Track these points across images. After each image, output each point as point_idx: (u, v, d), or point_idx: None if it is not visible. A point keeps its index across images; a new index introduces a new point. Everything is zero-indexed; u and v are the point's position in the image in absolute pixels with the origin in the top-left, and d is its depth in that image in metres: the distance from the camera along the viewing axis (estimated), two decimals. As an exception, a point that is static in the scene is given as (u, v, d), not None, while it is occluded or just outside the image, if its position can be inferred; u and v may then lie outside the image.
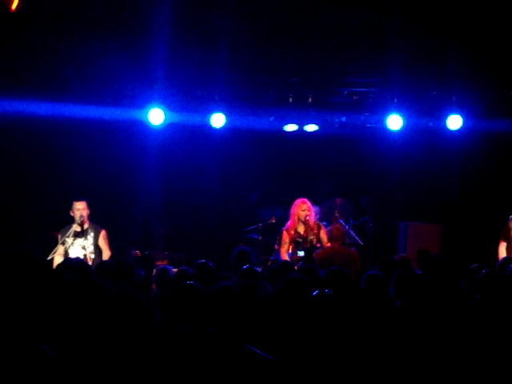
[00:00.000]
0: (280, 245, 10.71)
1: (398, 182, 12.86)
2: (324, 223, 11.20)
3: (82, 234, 9.71)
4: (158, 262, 10.56)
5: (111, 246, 9.87)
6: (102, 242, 9.82)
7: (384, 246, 12.17)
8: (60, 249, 9.61)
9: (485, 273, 6.13)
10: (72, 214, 9.76)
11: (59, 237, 9.73)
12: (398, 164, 12.64)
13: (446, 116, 11.88)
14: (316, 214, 10.82)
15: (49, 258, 9.35)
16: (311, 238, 10.43)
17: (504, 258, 7.57)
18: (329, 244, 10.24)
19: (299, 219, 10.47)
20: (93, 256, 9.68)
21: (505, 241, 9.82)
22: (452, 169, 12.60)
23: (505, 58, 11.10)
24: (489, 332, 4.73)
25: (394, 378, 4.43)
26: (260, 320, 5.21)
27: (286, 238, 10.52)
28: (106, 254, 9.72)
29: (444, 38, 11.09)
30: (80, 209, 9.73)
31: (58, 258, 9.36)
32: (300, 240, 10.41)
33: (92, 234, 9.78)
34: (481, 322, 4.79)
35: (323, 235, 10.47)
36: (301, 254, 10.20)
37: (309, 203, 10.58)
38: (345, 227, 11.47)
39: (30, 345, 3.34)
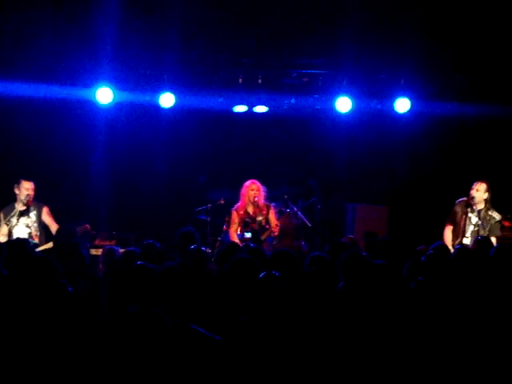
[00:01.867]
0: (229, 225, 10.75)
1: (347, 164, 12.94)
2: (273, 204, 11.23)
3: (24, 212, 9.60)
4: (106, 242, 10.48)
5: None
6: (47, 218, 9.73)
7: (332, 227, 12.23)
8: (3, 229, 9.48)
9: (427, 255, 6.21)
10: (17, 191, 9.62)
11: (1, 216, 9.60)
12: (346, 146, 12.71)
13: (394, 99, 11.99)
14: (265, 194, 10.85)
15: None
16: (260, 218, 10.50)
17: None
18: (277, 227, 10.35)
19: (248, 200, 10.51)
20: (38, 233, 9.59)
21: (451, 224, 9.92)
22: (399, 151, 12.71)
23: (453, 42, 11.21)
24: (430, 313, 4.80)
25: (336, 354, 4.47)
26: (207, 301, 5.21)
27: (235, 217, 10.57)
28: (54, 228, 9.58)
29: (393, 21, 11.16)
30: (28, 188, 9.61)
31: (1, 238, 9.24)
32: (249, 220, 10.46)
33: (35, 212, 9.68)
34: (422, 303, 4.86)
35: (272, 216, 10.56)
36: (248, 235, 10.25)
37: (258, 184, 10.63)
38: (293, 209, 11.51)
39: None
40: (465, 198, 9.90)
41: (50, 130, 12.05)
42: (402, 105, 11.95)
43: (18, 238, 8.07)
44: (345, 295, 4.84)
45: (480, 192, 9.75)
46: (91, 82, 11.47)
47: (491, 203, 9.81)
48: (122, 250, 7.79)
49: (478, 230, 9.66)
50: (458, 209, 9.90)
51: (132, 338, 3.45)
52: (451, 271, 5.85)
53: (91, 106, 11.80)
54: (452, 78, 11.90)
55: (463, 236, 9.77)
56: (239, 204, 10.64)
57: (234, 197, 11.06)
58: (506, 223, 10.98)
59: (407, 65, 11.66)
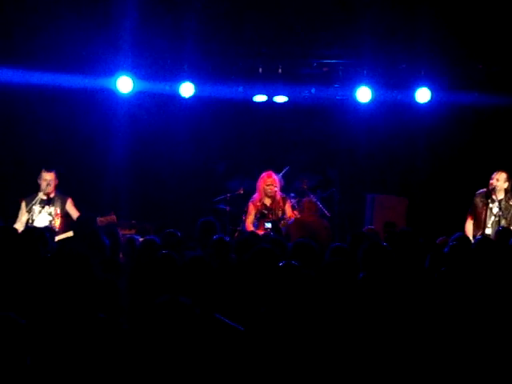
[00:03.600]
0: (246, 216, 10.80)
1: (366, 155, 12.89)
2: (292, 194, 11.25)
3: (48, 201, 9.68)
4: (125, 231, 10.51)
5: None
6: (71, 209, 9.83)
7: (351, 217, 12.23)
8: (24, 217, 9.56)
9: (450, 246, 6.20)
10: (39, 181, 9.72)
11: (23, 204, 9.68)
12: (366, 136, 12.66)
13: (414, 89, 11.94)
14: (282, 185, 10.88)
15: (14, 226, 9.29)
16: (277, 211, 10.52)
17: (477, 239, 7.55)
18: (296, 215, 10.35)
19: (265, 193, 10.54)
20: (59, 223, 9.67)
21: (472, 217, 9.93)
22: (420, 142, 12.65)
23: (473, 31, 11.13)
24: (452, 304, 4.79)
25: (357, 345, 4.46)
26: (229, 290, 5.22)
27: (252, 209, 10.62)
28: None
29: (413, 11, 11.10)
30: (47, 179, 9.68)
31: (19, 226, 9.31)
32: (266, 212, 10.48)
33: (59, 202, 9.76)
34: (445, 294, 4.85)
35: (288, 208, 10.59)
36: (268, 225, 10.28)
37: (274, 176, 10.65)
38: (312, 199, 11.50)
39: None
40: (484, 190, 9.89)
41: (70, 119, 12.08)
42: (423, 95, 11.91)
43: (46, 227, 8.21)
44: (366, 286, 4.83)
45: (500, 181, 9.76)
46: (112, 71, 11.50)
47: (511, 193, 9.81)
48: (141, 239, 7.82)
49: (498, 221, 9.66)
50: (478, 200, 9.90)
51: (162, 326, 3.46)
52: (473, 262, 5.83)
53: (111, 95, 11.84)
54: (473, 67, 11.83)
55: (484, 227, 9.75)
56: (256, 196, 10.67)
57: (253, 186, 11.08)
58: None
59: (427, 55, 11.60)
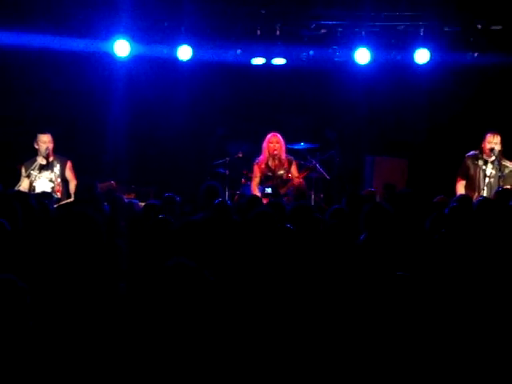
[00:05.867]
0: (248, 179, 10.80)
1: (366, 116, 12.85)
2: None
3: (47, 166, 9.68)
4: (125, 196, 10.51)
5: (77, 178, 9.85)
6: (69, 173, 9.84)
7: (350, 180, 12.21)
8: (24, 182, 9.57)
9: (450, 208, 6.19)
10: (37, 146, 9.73)
11: (23, 170, 9.69)
12: (365, 98, 12.62)
13: (413, 50, 11.86)
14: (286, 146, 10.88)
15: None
16: (281, 172, 10.53)
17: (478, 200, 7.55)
18: (298, 179, 10.36)
19: (269, 153, 10.54)
20: (60, 188, 9.67)
21: (463, 179, 9.99)
22: (419, 103, 12.60)
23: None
24: (453, 266, 4.79)
25: (356, 305, 4.47)
26: (229, 254, 5.23)
27: (256, 171, 10.63)
28: (73, 185, 9.70)
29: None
30: (46, 141, 9.69)
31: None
32: (270, 174, 10.49)
33: (58, 166, 9.78)
34: (446, 256, 4.85)
35: (294, 170, 10.59)
36: (268, 190, 10.30)
37: (279, 137, 10.65)
38: (312, 162, 11.48)
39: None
40: (475, 152, 9.95)
41: (67, 83, 12.04)
42: (422, 56, 11.81)
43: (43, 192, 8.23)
44: (367, 247, 4.84)
45: (498, 144, 9.81)
46: (109, 34, 11.42)
47: (502, 153, 9.87)
48: (141, 204, 7.82)
49: (497, 181, 9.71)
50: (470, 163, 9.95)
51: (170, 290, 3.45)
52: (474, 223, 5.83)
53: (109, 59, 11.77)
54: (472, 27, 11.74)
55: (479, 189, 9.80)
56: (261, 157, 10.67)
57: (253, 150, 11.07)
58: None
59: (427, 15, 11.51)
